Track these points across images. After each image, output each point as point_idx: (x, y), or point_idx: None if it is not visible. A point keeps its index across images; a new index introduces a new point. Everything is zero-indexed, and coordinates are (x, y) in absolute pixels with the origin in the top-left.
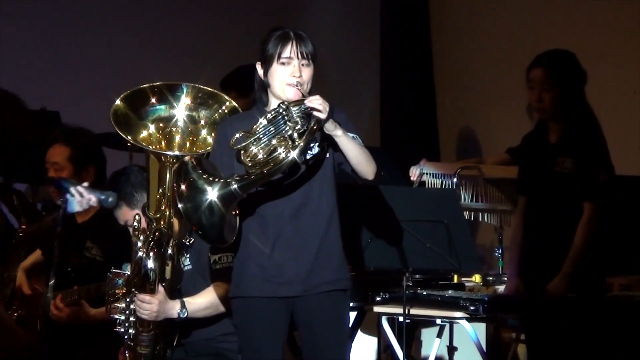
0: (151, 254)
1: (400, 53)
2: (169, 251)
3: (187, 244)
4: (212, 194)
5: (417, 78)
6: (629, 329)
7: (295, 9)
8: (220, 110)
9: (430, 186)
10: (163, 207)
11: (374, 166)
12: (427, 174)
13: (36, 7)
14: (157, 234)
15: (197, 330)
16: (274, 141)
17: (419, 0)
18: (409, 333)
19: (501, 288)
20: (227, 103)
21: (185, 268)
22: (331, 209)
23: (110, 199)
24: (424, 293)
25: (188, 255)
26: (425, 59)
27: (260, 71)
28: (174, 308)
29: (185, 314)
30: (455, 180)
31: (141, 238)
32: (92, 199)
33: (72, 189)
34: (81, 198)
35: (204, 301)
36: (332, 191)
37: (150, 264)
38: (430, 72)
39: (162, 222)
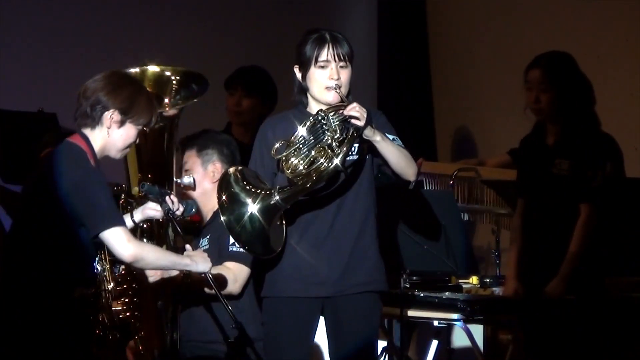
0: (145, 226)
1: (398, 53)
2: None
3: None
4: (254, 206)
5: (414, 79)
6: (627, 331)
7: (292, 10)
8: (176, 87)
9: (427, 187)
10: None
11: (414, 168)
12: (423, 173)
13: (34, 8)
14: None
15: (194, 331)
16: (313, 152)
17: (416, 1)
18: (407, 335)
19: (498, 290)
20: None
21: (202, 248)
22: (367, 210)
23: (193, 209)
24: (422, 295)
25: (208, 236)
26: (422, 60)
27: (298, 75)
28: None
29: (188, 279)
30: (451, 182)
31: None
32: (180, 208)
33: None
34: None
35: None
36: (369, 193)
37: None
38: (428, 73)
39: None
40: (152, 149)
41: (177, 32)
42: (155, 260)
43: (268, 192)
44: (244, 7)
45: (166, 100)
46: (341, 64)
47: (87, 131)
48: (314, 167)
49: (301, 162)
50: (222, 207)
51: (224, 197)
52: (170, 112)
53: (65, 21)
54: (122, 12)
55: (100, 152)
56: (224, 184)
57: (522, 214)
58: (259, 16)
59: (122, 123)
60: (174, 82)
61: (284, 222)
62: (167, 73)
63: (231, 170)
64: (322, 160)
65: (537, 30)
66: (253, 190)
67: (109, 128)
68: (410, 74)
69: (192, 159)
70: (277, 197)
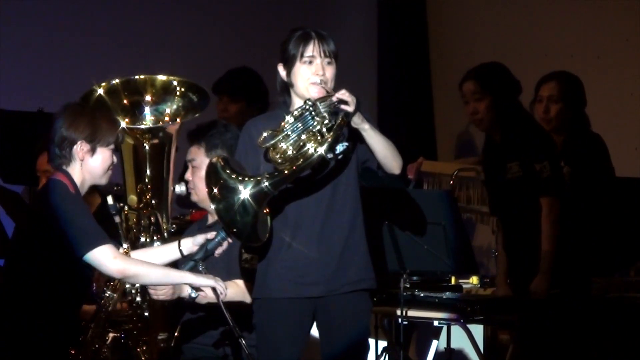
0: (155, 237)
1: (398, 53)
2: (165, 235)
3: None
4: (245, 192)
5: (414, 79)
6: (621, 331)
7: (291, 10)
8: (178, 98)
9: (427, 187)
10: (147, 196)
11: (399, 160)
12: (423, 173)
13: (34, 8)
14: (152, 218)
15: (196, 334)
16: (303, 136)
17: (416, 1)
18: (407, 335)
19: None
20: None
21: None
22: (355, 208)
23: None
24: (422, 295)
25: None
26: (422, 58)
27: (282, 72)
28: (185, 286)
29: (197, 296)
30: (451, 182)
31: (138, 224)
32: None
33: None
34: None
35: None
36: (355, 191)
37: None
38: (428, 72)
39: (149, 209)
40: (150, 163)
41: (178, 32)
42: (146, 275)
43: (258, 179)
44: (243, 6)
45: (167, 111)
46: (327, 60)
47: (66, 168)
48: (302, 151)
49: (290, 147)
50: (214, 197)
51: (214, 187)
52: (170, 127)
53: (65, 21)
54: (121, 13)
55: (84, 183)
56: (212, 173)
57: (500, 227)
58: (258, 16)
59: (93, 151)
60: (177, 93)
61: (268, 212)
62: (174, 83)
63: (215, 159)
64: (310, 145)
65: (537, 30)
66: (240, 177)
67: (82, 160)
68: (410, 74)
69: (200, 157)
70: (266, 183)
